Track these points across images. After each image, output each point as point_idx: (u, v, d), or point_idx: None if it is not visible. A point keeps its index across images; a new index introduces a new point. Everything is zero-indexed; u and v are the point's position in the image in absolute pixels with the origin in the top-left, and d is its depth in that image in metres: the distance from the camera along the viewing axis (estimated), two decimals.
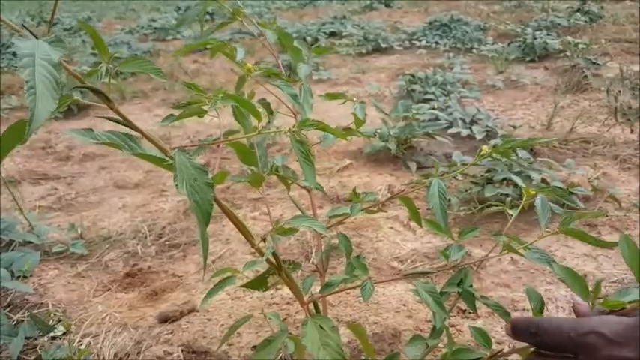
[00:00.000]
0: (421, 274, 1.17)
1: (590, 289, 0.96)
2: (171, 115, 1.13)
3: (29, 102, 0.59)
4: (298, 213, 1.44)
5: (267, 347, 1.05)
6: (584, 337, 0.70)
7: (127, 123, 0.82)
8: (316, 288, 1.40)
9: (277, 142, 3.64)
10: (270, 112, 1.42)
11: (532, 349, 0.91)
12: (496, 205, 1.66)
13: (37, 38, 0.70)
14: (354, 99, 1.45)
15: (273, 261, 1.02)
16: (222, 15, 1.48)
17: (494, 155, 2.59)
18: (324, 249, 1.33)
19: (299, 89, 1.41)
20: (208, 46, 1.36)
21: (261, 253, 1.03)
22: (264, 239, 0.98)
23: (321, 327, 1.02)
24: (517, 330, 0.87)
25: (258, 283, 1.26)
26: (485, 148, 1.25)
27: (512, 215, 1.60)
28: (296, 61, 1.44)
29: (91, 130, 0.87)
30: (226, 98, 1.05)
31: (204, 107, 1.17)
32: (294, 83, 1.38)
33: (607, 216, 2.51)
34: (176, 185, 0.78)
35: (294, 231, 1.03)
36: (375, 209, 1.40)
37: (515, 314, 1.88)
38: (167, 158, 0.88)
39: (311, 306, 1.20)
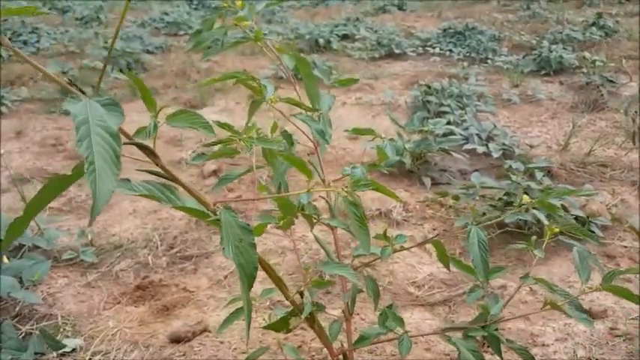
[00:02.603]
0: (459, 329, 1.13)
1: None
2: (203, 154, 1.09)
3: (89, 182, 0.54)
4: (310, 228, 1.40)
5: None
6: None
7: (171, 177, 0.78)
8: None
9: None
10: (291, 144, 1.38)
11: None
12: (518, 240, 1.62)
13: (83, 93, 0.66)
14: (383, 136, 1.41)
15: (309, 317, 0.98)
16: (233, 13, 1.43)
17: (513, 179, 2.53)
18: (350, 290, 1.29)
19: (319, 119, 1.37)
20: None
21: (296, 305, 0.99)
22: (301, 293, 0.94)
23: None
24: None
25: (281, 326, 1.23)
26: (526, 198, 1.20)
27: (537, 256, 1.56)
28: (312, 90, 1.40)
29: (128, 180, 0.83)
30: (261, 141, 1.01)
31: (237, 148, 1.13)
32: (314, 112, 1.35)
33: (626, 247, 2.47)
34: (223, 248, 0.75)
35: (330, 283, 0.99)
36: (400, 248, 1.37)
37: (534, 351, 1.84)
38: (209, 213, 0.85)
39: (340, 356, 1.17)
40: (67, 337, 1.90)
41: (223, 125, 1.04)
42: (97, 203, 0.54)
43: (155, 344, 1.87)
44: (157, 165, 0.77)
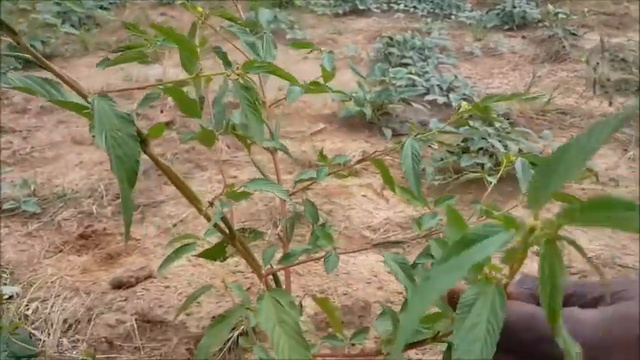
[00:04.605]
0: (392, 244, 1.07)
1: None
2: (107, 59, 0.99)
3: None
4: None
5: (221, 324, 0.94)
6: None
7: (42, 63, 0.67)
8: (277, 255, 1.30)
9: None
10: (228, 64, 1.28)
11: None
12: (473, 172, 1.57)
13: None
14: (322, 49, 1.32)
15: (223, 227, 0.90)
16: None
17: (471, 124, 2.48)
18: (289, 216, 1.22)
19: (261, 39, 1.27)
20: None
21: (209, 220, 0.91)
22: (211, 203, 0.85)
23: (278, 302, 0.91)
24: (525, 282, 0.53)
25: (216, 253, 1.15)
26: (464, 104, 1.13)
27: (491, 183, 1.51)
28: (255, 6, 1.29)
29: (4, 73, 0.73)
30: (171, 37, 0.91)
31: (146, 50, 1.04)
32: (255, 33, 1.24)
33: (584, 189, 2.46)
34: (93, 136, 0.64)
35: (247, 195, 0.91)
36: (346, 173, 1.29)
37: None
38: (88, 105, 0.75)
39: (271, 279, 1.10)
40: (5, 285, 1.80)
41: (129, 26, 0.94)
42: None
43: (96, 290, 1.78)
44: (18, 44, 0.66)
